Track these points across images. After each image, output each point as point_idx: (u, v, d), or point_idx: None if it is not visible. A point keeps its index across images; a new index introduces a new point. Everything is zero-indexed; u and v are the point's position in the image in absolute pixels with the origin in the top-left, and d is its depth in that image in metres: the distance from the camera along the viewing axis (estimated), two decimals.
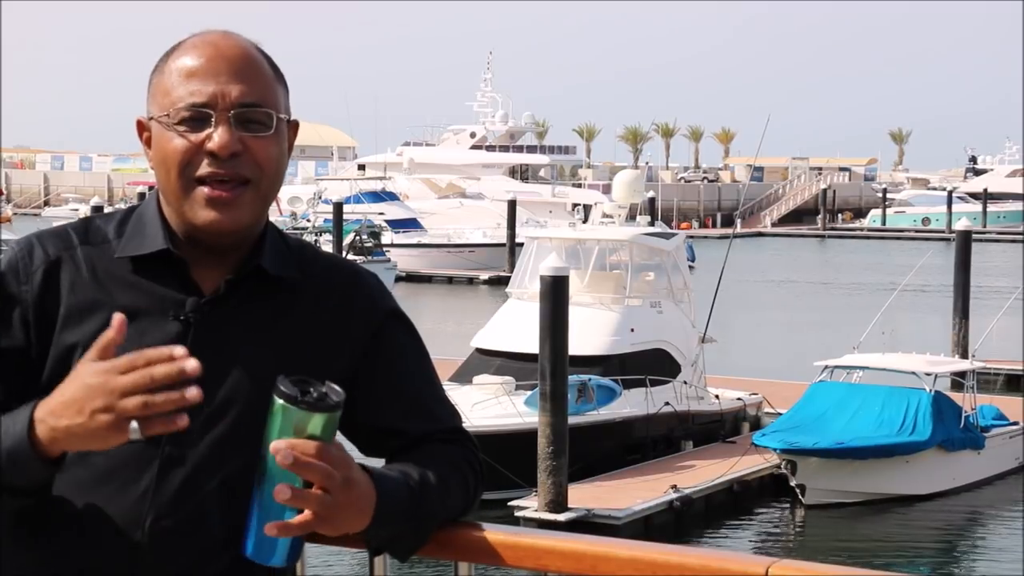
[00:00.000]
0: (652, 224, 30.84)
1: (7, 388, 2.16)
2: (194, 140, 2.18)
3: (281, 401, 2.02)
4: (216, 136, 2.17)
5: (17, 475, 2.05)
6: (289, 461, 1.99)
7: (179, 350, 1.97)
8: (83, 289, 2.22)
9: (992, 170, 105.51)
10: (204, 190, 2.18)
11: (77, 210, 71.26)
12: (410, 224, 60.74)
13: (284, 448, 2.00)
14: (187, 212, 2.21)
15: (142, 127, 2.27)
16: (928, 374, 22.28)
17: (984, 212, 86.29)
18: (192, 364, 1.96)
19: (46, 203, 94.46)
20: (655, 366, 23.25)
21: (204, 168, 2.18)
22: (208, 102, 2.18)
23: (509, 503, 19.21)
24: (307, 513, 2.03)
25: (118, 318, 2.01)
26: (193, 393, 1.96)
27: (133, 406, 1.96)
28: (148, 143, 2.26)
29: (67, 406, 2.00)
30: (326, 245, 47.21)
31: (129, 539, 2.14)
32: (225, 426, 2.18)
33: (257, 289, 2.26)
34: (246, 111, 2.20)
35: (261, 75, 2.24)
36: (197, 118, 2.18)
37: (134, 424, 1.98)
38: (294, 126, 2.30)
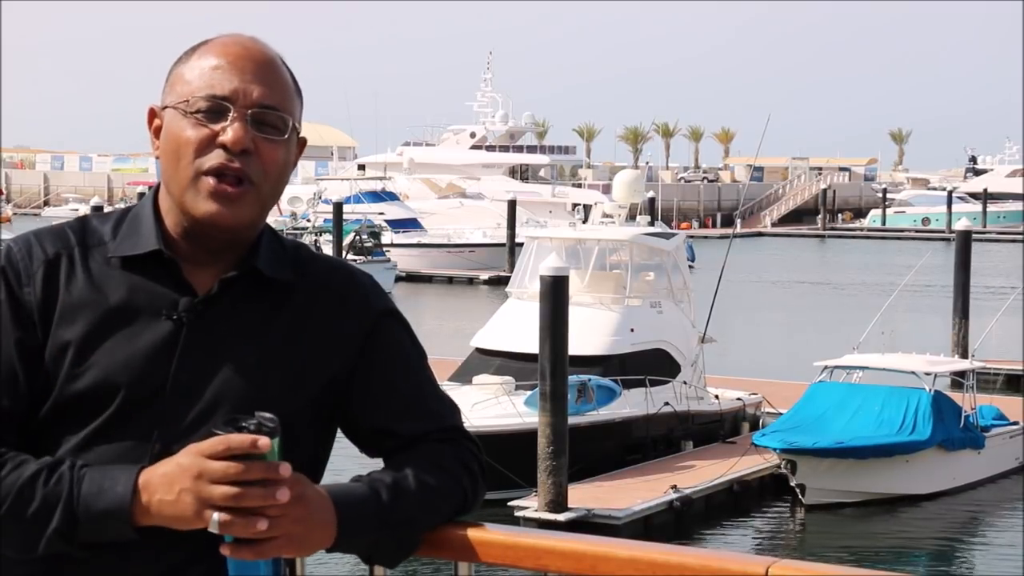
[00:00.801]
0: (652, 224, 30.82)
1: (30, 386, 2.18)
2: (209, 131, 2.19)
3: None
4: (231, 130, 2.19)
5: (103, 533, 2.07)
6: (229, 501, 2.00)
7: (263, 441, 1.99)
8: (78, 288, 2.23)
9: (992, 170, 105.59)
10: (209, 181, 2.19)
11: (77, 210, 71.29)
12: (410, 224, 60.75)
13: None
14: (188, 202, 2.21)
15: (153, 115, 2.28)
16: (928, 374, 22.28)
17: (984, 212, 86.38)
18: (285, 468, 2.00)
19: (46, 203, 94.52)
20: (655, 366, 23.24)
21: (213, 160, 2.19)
22: (228, 96, 2.20)
23: (509, 503, 19.20)
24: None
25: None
26: (284, 495, 1.99)
27: (219, 494, 2.00)
28: (157, 133, 2.27)
29: (161, 481, 2.04)
30: (326, 245, 47.24)
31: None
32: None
33: (251, 289, 2.26)
34: (263, 112, 2.21)
35: (283, 82, 2.26)
36: (215, 110, 2.20)
37: (216, 516, 1.99)
38: (302, 143, 2.31)
